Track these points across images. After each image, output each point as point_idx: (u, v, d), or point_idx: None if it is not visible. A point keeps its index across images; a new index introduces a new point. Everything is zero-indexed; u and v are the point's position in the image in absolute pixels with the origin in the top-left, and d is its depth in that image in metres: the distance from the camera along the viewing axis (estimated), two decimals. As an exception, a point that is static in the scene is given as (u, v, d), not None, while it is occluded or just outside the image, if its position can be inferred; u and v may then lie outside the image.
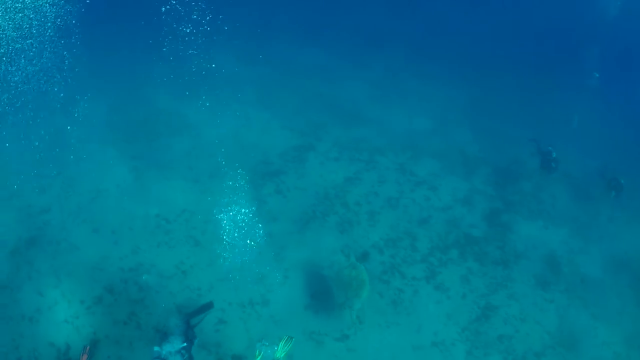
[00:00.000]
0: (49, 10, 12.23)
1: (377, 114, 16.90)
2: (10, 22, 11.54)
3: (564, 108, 19.43)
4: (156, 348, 7.85)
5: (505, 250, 12.50)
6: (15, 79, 12.64)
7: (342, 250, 11.44)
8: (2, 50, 11.78)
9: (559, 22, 25.94)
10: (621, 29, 24.20)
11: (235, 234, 11.70)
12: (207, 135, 15.11)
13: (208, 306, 9.53)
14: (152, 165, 13.64)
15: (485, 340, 10.49)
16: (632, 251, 13.41)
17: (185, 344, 7.91)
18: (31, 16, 11.91)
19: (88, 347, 8.54)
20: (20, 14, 11.58)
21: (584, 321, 11.40)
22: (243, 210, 11.76)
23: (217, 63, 19.54)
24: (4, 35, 11.70)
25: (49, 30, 12.58)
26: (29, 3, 11.62)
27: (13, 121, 13.33)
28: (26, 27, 11.98)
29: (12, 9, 11.36)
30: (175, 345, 7.85)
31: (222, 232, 11.71)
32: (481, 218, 13.22)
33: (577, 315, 11.51)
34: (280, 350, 7.77)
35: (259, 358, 7.85)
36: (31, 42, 12.36)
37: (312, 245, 11.65)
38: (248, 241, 11.41)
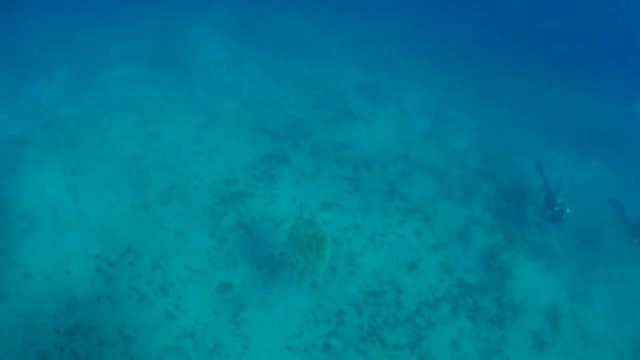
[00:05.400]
0: None
1: (365, 109, 14.33)
2: None
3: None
4: None
5: (502, 302, 10.88)
6: None
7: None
8: None
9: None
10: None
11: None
12: (161, 136, 12.71)
13: None
14: (92, 182, 11.44)
15: None
16: (636, 295, 11.94)
17: None
18: None
19: None
20: None
21: (583, 390, 10.21)
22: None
23: (182, 34, 16.65)
24: None
25: None
26: None
27: None
28: None
29: None
30: None
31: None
32: (478, 259, 11.42)
33: (576, 384, 10.27)
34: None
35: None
36: None
37: (276, 306, 9.88)
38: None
